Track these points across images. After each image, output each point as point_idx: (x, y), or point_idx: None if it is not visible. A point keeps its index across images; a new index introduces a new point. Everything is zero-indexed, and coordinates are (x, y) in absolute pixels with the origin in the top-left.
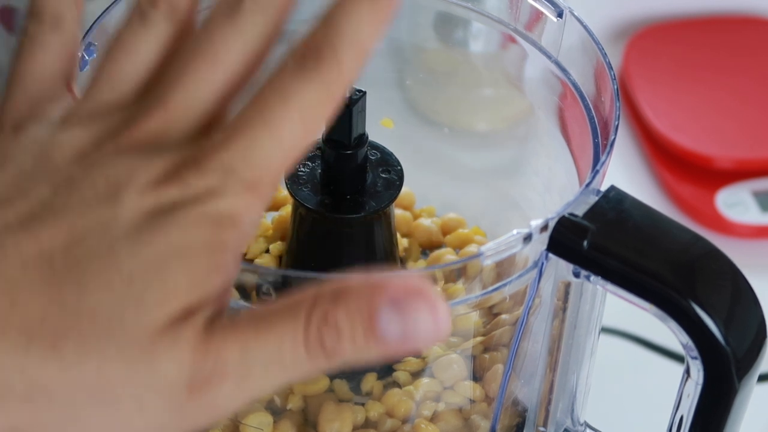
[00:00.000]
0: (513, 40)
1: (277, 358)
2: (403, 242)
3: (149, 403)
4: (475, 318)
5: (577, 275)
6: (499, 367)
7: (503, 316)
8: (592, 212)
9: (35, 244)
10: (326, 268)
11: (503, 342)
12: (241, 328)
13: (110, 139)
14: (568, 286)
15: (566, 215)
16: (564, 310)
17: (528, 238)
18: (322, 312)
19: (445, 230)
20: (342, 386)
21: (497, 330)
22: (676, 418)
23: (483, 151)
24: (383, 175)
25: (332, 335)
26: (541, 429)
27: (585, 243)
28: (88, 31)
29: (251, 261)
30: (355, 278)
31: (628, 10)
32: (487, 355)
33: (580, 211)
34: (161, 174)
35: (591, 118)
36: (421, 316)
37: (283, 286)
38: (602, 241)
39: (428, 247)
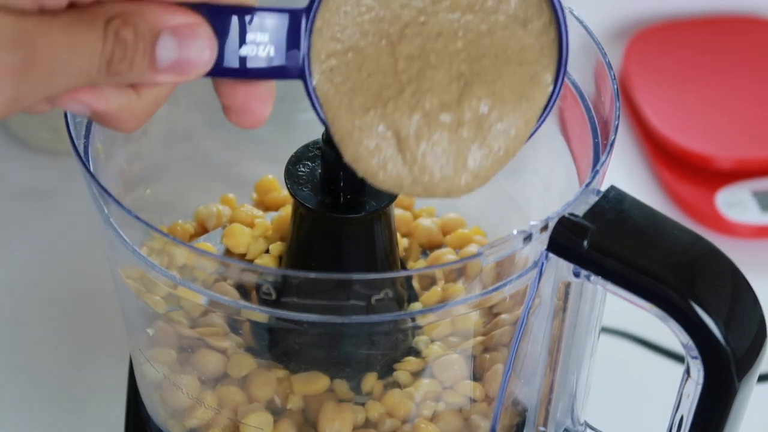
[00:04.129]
0: None
1: (77, 62)
2: (403, 242)
3: None
4: (475, 318)
5: (577, 275)
6: (499, 367)
7: (503, 316)
8: (592, 212)
9: None
10: (326, 268)
11: (503, 342)
12: (54, 30)
13: None
14: (568, 286)
15: (566, 215)
16: (564, 310)
17: (528, 238)
18: (115, 29)
19: (445, 230)
20: (342, 386)
21: (497, 330)
22: (676, 418)
23: None
24: None
25: (120, 52)
26: (542, 429)
27: (585, 243)
28: None
29: (251, 261)
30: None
31: (628, 10)
32: (487, 355)
33: (580, 211)
34: None
35: (591, 118)
36: (193, 48)
37: (283, 286)
38: (602, 241)
39: (428, 247)
